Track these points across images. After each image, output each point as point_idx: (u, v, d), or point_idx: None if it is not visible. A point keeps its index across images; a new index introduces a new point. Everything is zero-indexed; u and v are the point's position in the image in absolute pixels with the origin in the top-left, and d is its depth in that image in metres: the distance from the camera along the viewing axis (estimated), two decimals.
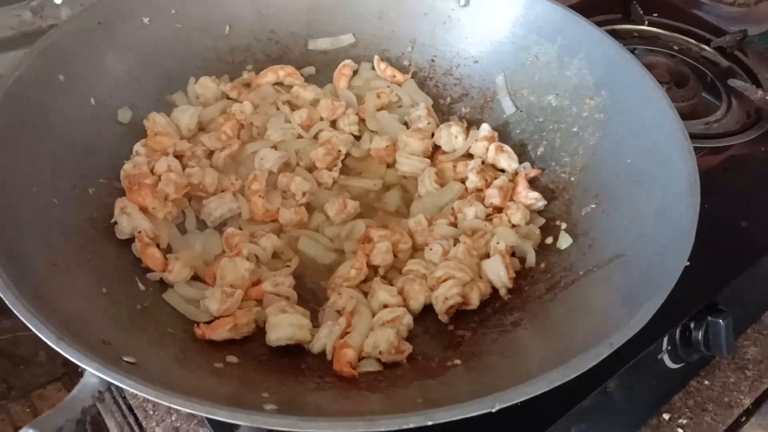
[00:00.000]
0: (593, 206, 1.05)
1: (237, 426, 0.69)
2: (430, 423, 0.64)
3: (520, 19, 1.23)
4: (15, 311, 0.70)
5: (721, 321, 1.07)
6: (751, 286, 1.19)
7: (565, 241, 1.04)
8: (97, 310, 0.83)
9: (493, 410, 0.66)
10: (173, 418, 1.00)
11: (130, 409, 1.03)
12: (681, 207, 0.90)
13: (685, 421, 1.08)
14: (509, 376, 0.81)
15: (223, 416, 0.63)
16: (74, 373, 2.35)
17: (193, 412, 0.63)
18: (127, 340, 0.79)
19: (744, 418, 1.11)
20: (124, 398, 1.04)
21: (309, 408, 0.79)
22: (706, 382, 1.14)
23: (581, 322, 0.86)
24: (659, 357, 1.07)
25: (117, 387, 1.02)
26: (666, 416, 1.09)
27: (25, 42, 1.63)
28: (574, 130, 1.15)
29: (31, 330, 0.69)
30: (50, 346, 0.67)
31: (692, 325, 1.09)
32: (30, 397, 2.33)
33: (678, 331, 1.08)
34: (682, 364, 1.10)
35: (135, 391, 0.64)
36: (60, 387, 2.37)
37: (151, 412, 1.01)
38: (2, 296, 0.71)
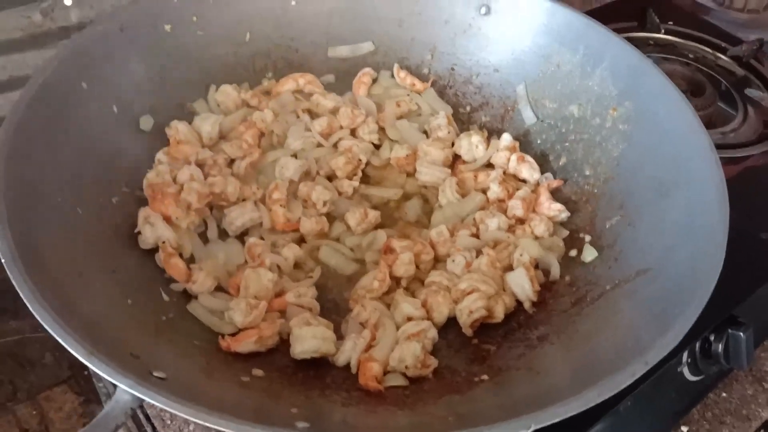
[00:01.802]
0: (618, 218, 1.04)
1: None
2: None
3: (542, 27, 1.23)
4: (44, 324, 0.69)
5: (741, 333, 1.06)
6: None
7: (589, 254, 1.04)
8: (123, 322, 0.83)
9: (529, 430, 0.66)
10: (191, 428, 0.99)
11: (147, 419, 1.02)
12: (710, 219, 0.89)
13: None
14: (538, 392, 0.80)
15: None
16: (80, 376, 2.34)
17: (227, 430, 0.63)
18: (154, 353, 0.79)
19: (762, 431, 1.11)
20: (141, 407, 1.03)
21: (337, 424, 0.78)
22: (724, 395, 1.13)
23: (610, 337, 0.86)
24: (679, 370, 1.07)
25: None
26: (684, 429, 1.08)
27: (34, 44, 1.62)
28: (597, 140, 1.15)
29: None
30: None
31: (712, 337, 1.08)
32: (36, 399, 2.32)
33: (698, 343, 1.08)
34: (701, 377, 1.10)
35: (170, 410, 0.63)
36: (66, 389, 2.36)
37: (168, 422, 1.00)
38: (30, 308, 0.71)
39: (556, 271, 1.04)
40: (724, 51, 1.69)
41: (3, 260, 0.75)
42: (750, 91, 1.56)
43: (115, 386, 0.67)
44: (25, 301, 0.71)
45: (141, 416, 1.05)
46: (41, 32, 1.60)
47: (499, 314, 0.98)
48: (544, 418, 0.66)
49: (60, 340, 0.68)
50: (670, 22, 1.75)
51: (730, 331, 1.07)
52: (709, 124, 1.47)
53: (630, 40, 1.16)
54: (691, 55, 1.68)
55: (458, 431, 0.64)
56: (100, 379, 1.47)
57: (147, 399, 0.64)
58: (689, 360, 1.07)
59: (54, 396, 2.33)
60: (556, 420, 0.66)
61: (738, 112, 1.53)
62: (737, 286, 1.12)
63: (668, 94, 1.07)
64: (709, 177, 0.94)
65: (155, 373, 0.71)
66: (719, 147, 1.37)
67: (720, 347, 1.07)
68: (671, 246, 0.92)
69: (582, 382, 0.72)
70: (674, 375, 1.06)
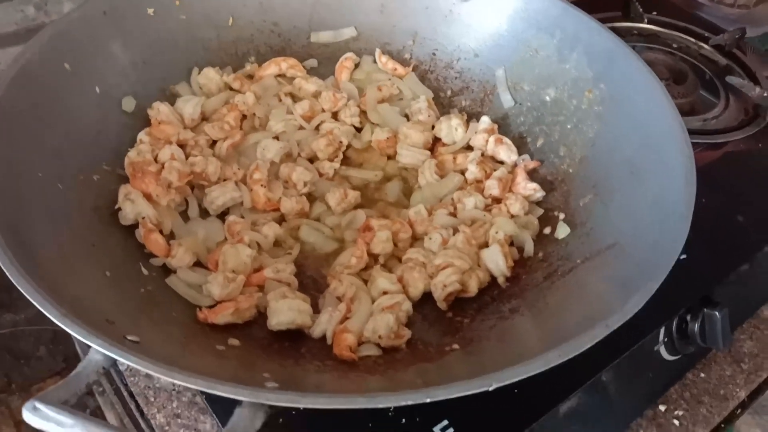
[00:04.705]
0: (591, 197, 1.06)
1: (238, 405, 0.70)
2: (428, 400, 0.65)
3: (520, 13, 1.24)
4: (21, 289, 0.71)
5: (717, 313, 1.08)
6: (747, 280, 1.20)
7: (563, 231, 1.05)
8: (100, 293, 0.84)
9: (490, 389, 0.67)
10: (174, 405, 1.00)
11: (131, 396, 1.04)
12: (677, 196, 0.90)
13: (681, 413, 1.09)
14: (506, 359, 0.81)
15: (225, 392, 0.64)
16: (74, 369, 2.35)
17: (195, 387, 0.64)
18: (130, 321, 0.80)
19: (739, 411, 1.13)
20: (125, 385, 1.05)
21: (309, 387, 0.80)
22: (702, 375, 1.15)
23: (577, 307, 0.87)
24: (656, 349, 1.08)
25: (118, 374, 1.04)
26: (662, 408, 1.10)
27: (28, 38, 1.63)
28: (573, 122, 1.16)
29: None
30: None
31: (688, 317, 1.10)
32: (30, 391, 2.33)
33: (674, 323, 1.09)
34: (679, 357, 1.11)
35: (138, 367, 0.65)
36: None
37: (152, 399, 1.01)
38: (8, 274, 0.72)
39: (530, 247, 1.06)
40: (706, 40, 1.71)
41: None
42: (731, 79, 1.58)
43: None
44: (2, 267, 0.72)
45: (125, 394, 1.06)
46: (35, 26, 1.62)
47: (473, 288, 0.99)
48: (505, 377, 0.67)
49: (34, 302, 0.69)
50: (654, 13, 1.77)
51: (705, 310, 1.09)
52: (692, 111, 1.50)
53: (613, 29, 1.17)
54: (674, 45, 1.71)
55: (420, 390, 0.65)
56: None
57: (118, 358, 0.65)
58: (666, 339, 1.09)
59: (48, 388, 2.34)
60: (518, 378, 0.68)
61: (720, 100, 1.55)
62: (714, 266, 1.15)
63: (641, 75, 1.08)
64: (678, 156, 0.95)
65: (129, 337, 0.73)
66: (701, 133, 1.41)
67: (696, 327, 1.09)
68: (640, 221, 0.94)
69: (548, 347, 0.73)
70: (651, 354, 1.08)
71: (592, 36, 1.16)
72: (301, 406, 0.64)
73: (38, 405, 0.59)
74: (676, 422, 1.08)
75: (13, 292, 0.74)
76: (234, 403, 0.68)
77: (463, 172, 1.18)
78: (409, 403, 0.65)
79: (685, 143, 0.97)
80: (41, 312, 0.70)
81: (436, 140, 1.25)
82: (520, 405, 0.93)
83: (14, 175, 0.87)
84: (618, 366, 1.00)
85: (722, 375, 1.15)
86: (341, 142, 1.20)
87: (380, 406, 0.65)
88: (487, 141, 1.20)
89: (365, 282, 1.02)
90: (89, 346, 0.68)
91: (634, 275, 0.84)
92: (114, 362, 0.68)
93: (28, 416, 0.60)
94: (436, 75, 1.35)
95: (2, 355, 2.34)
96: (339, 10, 1.33)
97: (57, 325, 0.69)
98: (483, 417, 0.91)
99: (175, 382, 0.65)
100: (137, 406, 1.03)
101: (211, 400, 0.94)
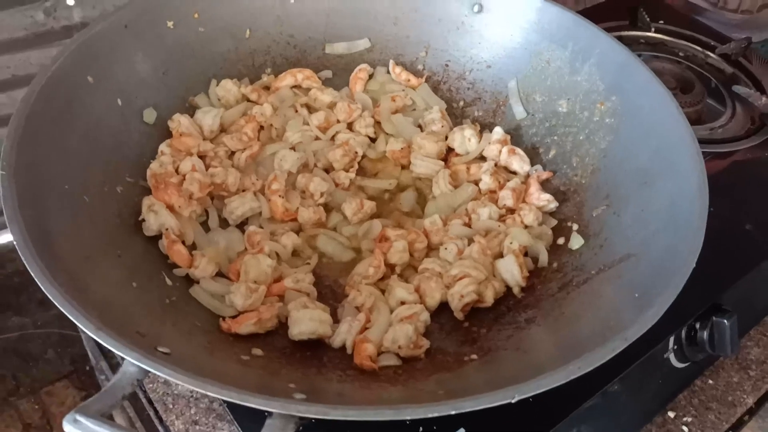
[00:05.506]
0: (604, 207, 1.08)
1: (263, 418, 0.71)
2: (453, 413, 0.67)
3: (533, 25, 1.26)
4: (54, 302, 0.72)
5: (725, 321, 1.09)
6: (755, 288, 1.22)
7: (576, 242, 1.07)
8: (129, 303, 0.86)
9: (513, 401, 0.69)
10: (192, 412, 1.02)
11: (150, 402, 1.05)
12: (690, 206, 0.92)
13: (689, 419, 1.11)
14: (524, 369, 0.83)
15: (257, 404, 0.66)
16: (82, 371, 2.37)
17: (228, 399, 0.66)
18: (159, 332, 0.82)
19: (747, 417, 1.14)
20: (144, 391, 1.06)
21: (332, 397, 0.82)
22: (711, 382, 1.17)
23: (593, 318, 0.89)
24: (665, 356, 1.10)
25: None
26: (671, 414, 1.11)
27: (37, 43, 1.65)
28: (585, 133, 1.18)
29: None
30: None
31: (698, 325, 1.11)
32: (38, 394, 2.35)
33: (684, 331, 1.11)
34: (688, 364, 1.13)
35: (173, 380, 0.67)
36: (68, 384, 2.39)
37: (171, 406, 1.03)
38: (42, 288, 0.73)
39: (544, 258, 1.08)
40: (713, 49, 1.73)
41: (15, 243, 0.78)
42: (738, 88, 1.59)
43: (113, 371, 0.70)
44: (36, 281, 0.74)
45: (144, 400, 1.08)
46: (44, 31, 1.64)
47: (489, 299, 1.01)
48: (527, 389, 0.69)
49: (70, 317, 0.71)
50: (661, 21, 1.79)
51: (714, 318, 1.10)
52: (699, 120, 1.51)
53: (621, 38, 1.19)
54: (681, 53, 1.72)
55: (446, 401, 0.67)
56: (102, 372, 1.51)
57: (152, 371, 0.67)
58: (675, 347, 1.10)
59: (56, 391, 2.35)
60: (540, 391, 0.69)
61: (726, 109, 1.56)
62: (722, 274, 1.16)
63: (653, 88, 1.10)
64: (691, 167, 0.97)
65: (160, 349, 0.75)
66: (708, 142, 1.42)
67: (705, 335, 1.10)
68: (654, 232, 0.95)
69: (566, 358, 0.75)
70: (661, 361, 1.09)
71: (604, 49, 1.18)
72: (332, 418, 0.66)
73: (79, 417, 0.61)
74: (685, 428, 1.10)
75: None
76: (259, 413, 0.69)
77: (476, 183, 1.20)
78: (436, 415, 0.67)
79: (696, 154, 0.99)
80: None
81: (450, 150, 1.27)
82: (536, 413, 0.94)
83: (42, 188, 0.88)
84: (629, 374, 1.02)
85: (730, 381, 1.17)
86: (356, 152, 1.22)
87: (408, 418, 0.67)
88: (500, 151, 1.22)
89: (382, 292, 1.04)
90: (122, 358, 0.70)
91: (648, 286, 0.85)
92: (147, 373, 0.70)
93: (69, 428, 0.61)
94: (449, 86, 1.37)
95: (10, 358, 2.36)
96: (353, 22, 1.35)
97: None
98: (499, 425, 0.93)
99: (209, 394, 0.66)
100: (156, 412, 1.04)
101: (235, 409, 0.95)
